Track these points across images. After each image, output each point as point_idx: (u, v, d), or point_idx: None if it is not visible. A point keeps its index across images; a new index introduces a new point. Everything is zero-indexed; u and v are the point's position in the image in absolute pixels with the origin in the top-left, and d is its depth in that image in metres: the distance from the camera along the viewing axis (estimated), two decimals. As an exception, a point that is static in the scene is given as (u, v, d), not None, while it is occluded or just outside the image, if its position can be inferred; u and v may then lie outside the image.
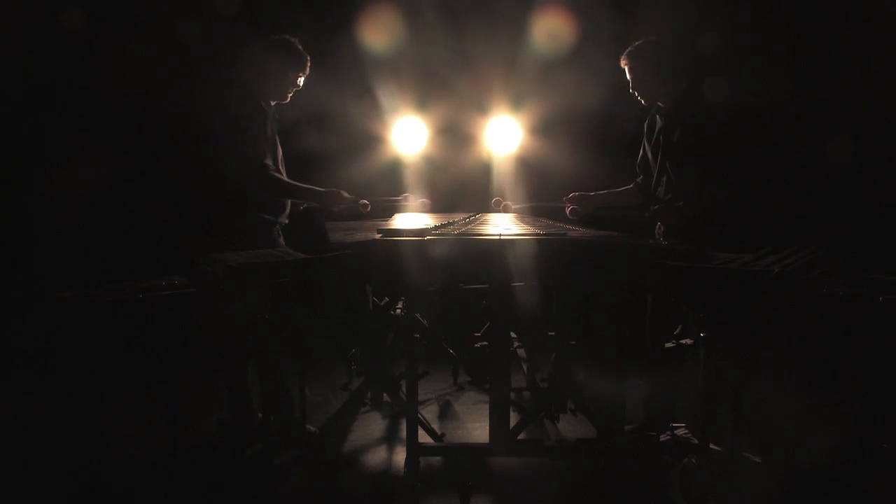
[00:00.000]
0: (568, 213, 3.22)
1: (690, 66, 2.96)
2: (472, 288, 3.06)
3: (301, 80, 3.03)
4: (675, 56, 2.90)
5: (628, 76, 2.96)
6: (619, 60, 2.98)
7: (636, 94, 2.97)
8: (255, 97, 2.91)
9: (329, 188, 3.00)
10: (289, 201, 3.01)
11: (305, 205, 3.02)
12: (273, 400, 2.65)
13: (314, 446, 2.73)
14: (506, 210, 3.57)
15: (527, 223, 2.96)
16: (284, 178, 2.95)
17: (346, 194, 3.01)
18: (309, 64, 3.01)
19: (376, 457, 2.91)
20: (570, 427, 2.97)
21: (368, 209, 3.12)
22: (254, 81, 2.93)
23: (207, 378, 3.03)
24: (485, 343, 3.80)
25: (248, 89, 2.91)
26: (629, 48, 2.93)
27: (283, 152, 3.07)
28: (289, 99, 3.03)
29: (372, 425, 3.29)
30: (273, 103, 2.99)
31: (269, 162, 2.88)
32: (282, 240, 2.97)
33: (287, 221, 3.03)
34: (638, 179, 3.16)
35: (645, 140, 3.09)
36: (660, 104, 2.95)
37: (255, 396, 2.84)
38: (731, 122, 2.84)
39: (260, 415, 2.82)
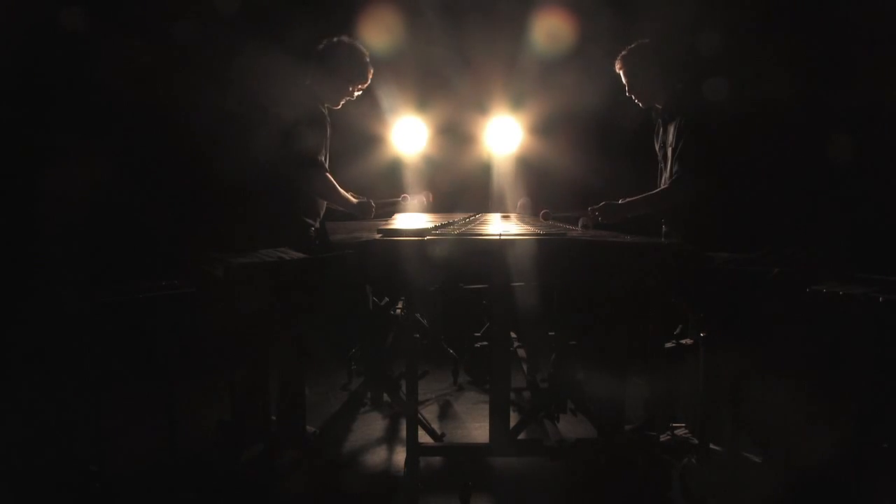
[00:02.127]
0: (581, 227, 2.98)
1: (686, 67, 2.96)
2: (472, 288, 3.06)
3: (357, 93, 3.02)
4: (669, 57, 2.90)
5: (623, 80, 2.97)
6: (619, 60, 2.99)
7: (633, 97, 2.98)
8: (317, 99, 2.90)
9: (362, 199, 3.04)
10: (324, 207, 3.02)
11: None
12: (273, 400, 2.65)
13: (314, 446, 2.73)
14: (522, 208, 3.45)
15: (527, 223, 2.96)
16: (335, 183, 2.94)
17: (374, 205, 3.07)
18: (371, 77, 3.00)
19: (376, 457, 2.91)
20: (570, 427, 2.97)
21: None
22: (314, 84, 2.91)
23: (208, 378, 3.03)
24: (485, 343, 3.81)
25: (310, 91, 2.90)
26: (622, 52, 2.94)
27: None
28: (340, 106, 3.02)
29: (372, 425, 3.29)
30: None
31: (323, 160, 2.88)
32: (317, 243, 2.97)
33: (319, 226, 3.02)
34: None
35: (657, 151, 3.09)
36: (657, 106, 2.95)
37: (263, 396, 2.84)
38: (726, 121, 2.85)
39: (260, 415, 2.82)
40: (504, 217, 3.49)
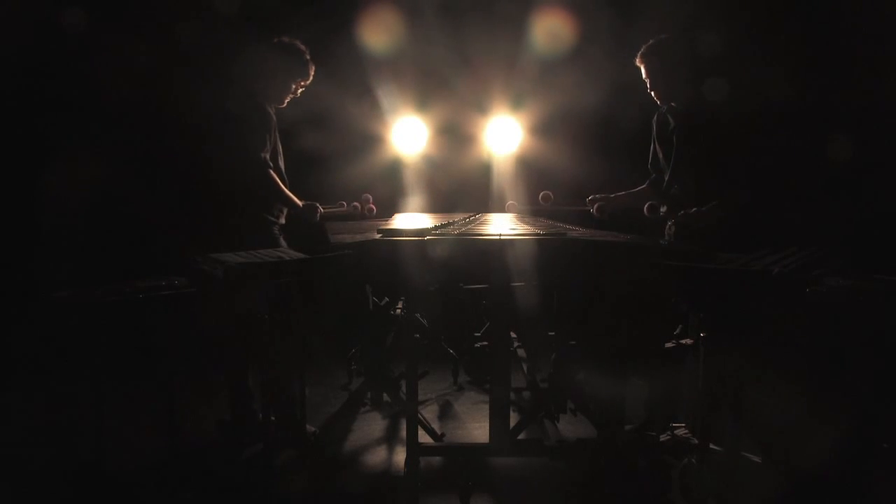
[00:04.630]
0: (595, 210, 3.14)
1: (704, 67, 2.94)
2: (472, 288, 3.06)
3: (300, 90, 3.04)
4: (691, 55, 2.88)
5: (644, 75, 2.94)
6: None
7: (653, 93, 2.96)
8: (258, 97, 2.93)
9: (307, 202, 3.05)
10: (296, 200, 3.03)
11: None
12: (273, 400, 2.64)
13: (314, 446, 2.73)
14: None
15: (527, 223, 2.96)
16: (278, 181, 2.95)
17: (321, 208, 3.08)
18: (312, 74, 3.03)
19: (376, 457, 2.91)
20: (570, 427, 2.97)
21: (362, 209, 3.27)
22: (255, 82, 2.94)
23: (207, 378, 3.03)
24: (485, 343, 3.81)
25: (250, 89, 2.93)
26: (645, 46, 2.91)
27: (283, 152, 3.08)
28: (285, 104, 3.04)
29: (372, 425, 3.29)
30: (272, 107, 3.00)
31: (269, 161, 2.89)
32: (282, 239, 2.99)
33: (284, 222, 3.05)
34: (651, 177, 3.14)
35: (655, 139, 3.07)
36: (673, 104, 2.94)
37: (255, 396, 2.85)
38: (746, 123, 2.84)
39: (260, 415, 2.82)
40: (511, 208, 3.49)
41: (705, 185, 2.81)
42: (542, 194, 3.34)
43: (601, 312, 2.37)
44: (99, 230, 4.05)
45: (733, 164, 2.75)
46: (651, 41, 2.91)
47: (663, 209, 2.99)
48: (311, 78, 3.05)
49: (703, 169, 2.82)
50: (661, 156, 3.04)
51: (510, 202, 3.51)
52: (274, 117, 2.97)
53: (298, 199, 3.05)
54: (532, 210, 3.42)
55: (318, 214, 3.09)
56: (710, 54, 3.10)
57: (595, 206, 3.15)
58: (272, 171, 2.91)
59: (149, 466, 2.65)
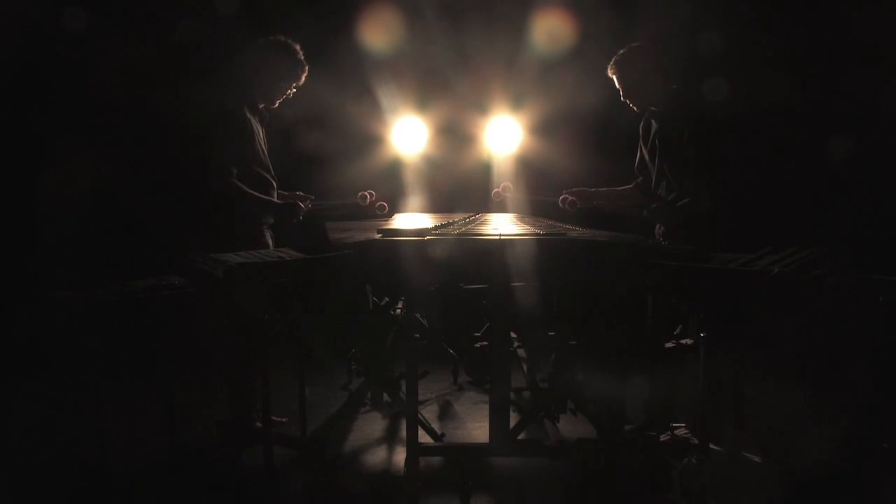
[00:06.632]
0: (559, 200, 3.12)
1: (682, 68, 2.95)
2: (472, 288, 3.06)
3: (292, 91, 2.98)
4: (662, 59, 2.90)
5: (617, 86, 2.97)
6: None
7: (628, 102, 2.98)
8: (232, 102, 2.84)
9: (287, 200, 2.97)
10: (273, 200, 2.97)
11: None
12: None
13: (314, 446, 2.73)
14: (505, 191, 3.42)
15: (527, 223, 2.96)
16: (244, 187, 2.81)
17: (302, 205, 2.95)
18: (305, 75, 2.96)
19: (376, 457, 2.91)
20: (570, 427, 2.97)
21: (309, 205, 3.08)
22: (244, 82, 2.90)
23: (207, 378, 3.03)
24: (485, 343, 3.81)
25: (230, 91, 2.87)
26: (614, 58, 2.93)
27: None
28: (277, 105, 2.98)
29: (372, 425, 3.29)
30: (262, 106, 2.96)
31: (233, 168, 2.79)
32: (268, 237, 2.95)
33: (273, 220, 3.00)
34: (637, 180, 3.16)
35: (641, 142, 3.10)
36: (652, 108, 2.95)
37: (255, 396, 2.85)
38: (728, 122, 2.84)
39: (260, 414, 2.82)
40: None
41: (686, 186, 2.82)
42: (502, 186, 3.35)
43: (601, 312, 2.37)
44: (98, 229, 4.05)
45: (715, 165, 2.75)
46: (620, 51, 2.92)
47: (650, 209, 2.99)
48: (303, 79, 2.97)
49: (684, 170, 2.83)
50: (646, 158, 3.07)
51: (495, 190, 3.46)
52: (252, 120, 2.87)
53: (295, 197, 3.00)
54: (530, 201, 3.40)
55: (300, 214, 2.92)
56: (708, 53, 3.11)
57: (562, 198, 3.10)
58: (237, 182, 2.79)
59: (149, 466, 2.64)
